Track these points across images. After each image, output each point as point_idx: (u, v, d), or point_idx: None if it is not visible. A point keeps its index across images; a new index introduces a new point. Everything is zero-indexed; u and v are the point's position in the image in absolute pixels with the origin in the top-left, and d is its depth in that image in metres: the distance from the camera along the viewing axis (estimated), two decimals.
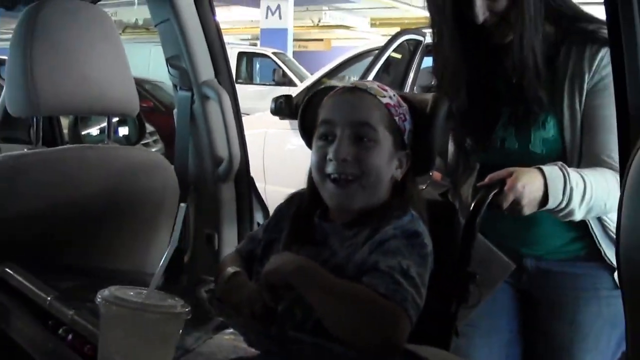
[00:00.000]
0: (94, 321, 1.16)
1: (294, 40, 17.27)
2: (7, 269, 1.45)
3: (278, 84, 11.83)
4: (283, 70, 12.19)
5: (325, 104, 1.51)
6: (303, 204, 1.55)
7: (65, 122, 3.04)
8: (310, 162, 1.50)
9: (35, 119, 1.90)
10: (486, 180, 1.52)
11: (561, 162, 1.56)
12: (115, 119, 2.10)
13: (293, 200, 1.59)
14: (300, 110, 1.64)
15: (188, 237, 2.45)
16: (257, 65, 13.35)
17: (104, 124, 3.32)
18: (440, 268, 1.43)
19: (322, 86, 1.67)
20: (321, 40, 20.75)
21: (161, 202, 1.99)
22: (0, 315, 1.41)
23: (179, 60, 2.36)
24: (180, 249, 2.40)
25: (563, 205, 1.53)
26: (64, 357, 1.18)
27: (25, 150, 1.89)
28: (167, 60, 2.42)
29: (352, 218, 1.47)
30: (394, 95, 1.52)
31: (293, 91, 5.68)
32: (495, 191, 1.49)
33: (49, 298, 1.30)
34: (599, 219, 1.65)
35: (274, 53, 12.67)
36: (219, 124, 2.33)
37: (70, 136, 2.96)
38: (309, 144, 1.55)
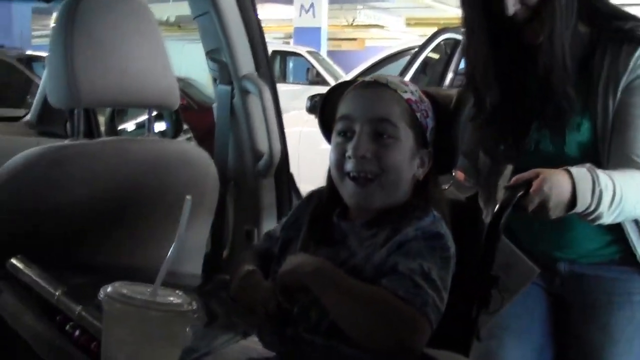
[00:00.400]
0: (101, 318, 1.12)
1: (328, 39, 17.24)
2: (15, 262, 1.41)
3: (311, 83, 11.79)
4: (317, 70, 12.16)
5: (344, 99, 1.46)
6: (322, 202, 1.51)
7: (101, 119, 3.07)
8: (329, 159, 1.45)
9: (75, 112, 1.91)
10: (512, 181, 1.49)
11: (590, 164, 1.51)
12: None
13: (312, 198, 1.56)
14: (320, 106, 1.59)
15: (227, 233, 2.43)
16: (291, 64, 13.32)
17: (140, 119, 3.36)
18: (462, 271, 1.38)
19: (342, 80, 1.63)
20: (355, 39, 20.68)
21: (201, 196, 1.97)
22: (7, 309, 1.39)
23: (218, 53, 2.34)
24: (219, 245, 2.39)
25: (592, 208, 1.48)
26: (69, 354, 1.15)
27: (66, 142, 1.89)
28: (207, 53, 2.41)
29: (371, 217, 1.42)
30: (415, 90, 1.47)
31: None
32: (521, 193, 1.44)
33: (57, 293, 1.26)
34: (636, 222, 1.61)
35: (307, 52, 12.65)
36: (260, 119, 2.31)
37: (107, 130, 2.98)
38: (329, 140, 1.51)
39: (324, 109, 1.56)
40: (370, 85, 1.45)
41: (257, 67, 2.33)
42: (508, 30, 1.60)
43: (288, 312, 1.37)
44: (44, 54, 8.23)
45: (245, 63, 2.31)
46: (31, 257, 1.60)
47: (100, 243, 1.80)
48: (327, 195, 1.50)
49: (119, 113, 3.04)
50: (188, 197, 1.02)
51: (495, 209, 1.47)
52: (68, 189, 1.75)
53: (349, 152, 1.39)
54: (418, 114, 1.44)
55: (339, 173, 1.42)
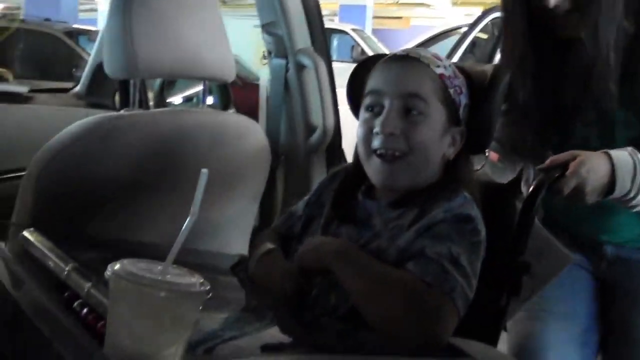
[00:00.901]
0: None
1: (373, 17, 17.14)
2: (27, 235, 1.37)
3: (355, 61, 11.72)
4: (361, 48, 12.10)
5: (374, 73, 1.39)
6: (346, 180, 1.44)
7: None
8: (356, 135, 1.38)
9: (131, 83, 1.91)
10: (547, 162, 1.43)
11: (632, 148, 1.46)
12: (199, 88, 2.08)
13: (336, 175, 1.49)
14: (349, 81, 1.50)
15: (276, 208, 2.41)
16: (335, 42, 13.27)
17: (187, 92, 3.36)
18: (492, 257, 1.32)
19: (371, 55, 1.58)
20: (400, 18, 20.54)
21: (253, 169, 1.97)
22: (15, 284, 1.35)
23: (274, 27, 2.33)
24: (268, 219, 2.37)
25: (631, 195, 1.43)
26: (73, 334, 1.08)
27: (122, 112, 1.89)
28: (263, 26, 2.39)
29: (398, 197, 1.35)
30: (449, 65, 1.40)
31: None
32: (557, 175, 1.39)
33: (67, 268, 1.20)
34: None
35: (352, 30, 12.59)
36: (314, 93, 2.29)
37: (156, 102, 2.98)
38: (357, 115, 1.43)
39: (353, 84, 1.48)
40: (401, 59, 1.38)
41: (313, 42, 2.32)
42: (546, 23, 1.54)
43: (307, 295, 1.32)
44: (90, 27, 8.32)
45: (301, 37, 2.30)
46: (78, 226, 1.68)
47: (152, 215, 1.81)
48: (353, 172, 1.43)
49: (168, 85, 3.04)
50: (204, 170, 0.96)
51: (529, 191, 1.41)
52: (122, 158, 1.75)
53: (377, 129, 1.32)
54: (451, 90, 1.36)
55: (366, 150, 1.35)
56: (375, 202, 1.38)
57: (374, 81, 1.37)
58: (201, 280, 0.91)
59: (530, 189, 1.41)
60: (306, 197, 1.53)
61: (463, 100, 1.39)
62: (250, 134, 1.98)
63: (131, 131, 1.77)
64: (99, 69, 2.88)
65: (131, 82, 1.95)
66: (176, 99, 3.17)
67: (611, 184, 1.41)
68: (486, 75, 1.47)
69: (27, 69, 4.61)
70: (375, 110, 1.34)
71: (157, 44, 1.77)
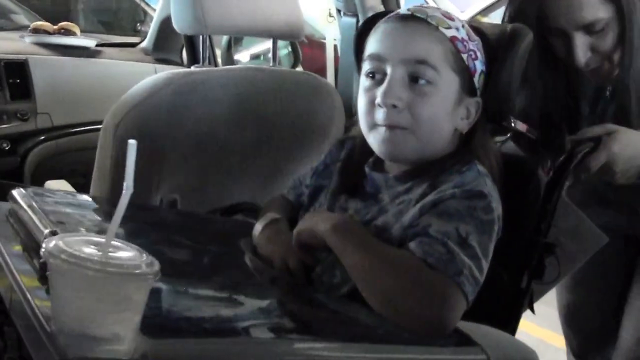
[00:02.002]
0: None
1: None
2: (15, 194, 1.27)
3: None
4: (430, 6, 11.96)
5: (373, 34, 1.24)
6: (355, 151, 1.33)
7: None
8: (358, 104, 1.26)
9: (200, 38, 1.92)
10: (579, 133, 1.34)
11: None
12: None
13: (345, 143, 1.38)
14: (355, 40, 1.34)
15: None
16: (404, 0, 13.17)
17: (254, 50, 3.36)
18: (513, 235, 1.22)
19: (382, 12, 1.45)
20: None
21: (327, 128, 1.96)
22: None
23: None
24: None
25: None
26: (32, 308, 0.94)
27: (192, 68, 1.90)
28: None
29: (407, 170, 1.24)
30: (462, 26, 1.24)
31: None
32: (587, 149, 1.28)
33: (46, 231, 1.10)
34: None
35: None
36: None
37: (224, 59, 2.99)
38: None
39: (360, 44, 1.31)
40: (406, 19, 1.21)
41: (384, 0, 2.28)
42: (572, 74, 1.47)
43: (311, 270, 1.22)
44: None
45: None
46: (144, 182, 1.69)
47: (222, 170, 1.82)
48: (360, 142, 1.31)
49: (235, 43, 3.04)
50: (131, 141, 0.85)
51: (556, 165, 1.31)
52: (194, 114, 1.76)
53: (378, 99, 1.19)
54: (464, 55, 1.21)
55: (368, 123, 1.23)
56: (383, 175, 1.27)
57: (374, 44, 1.23)
58: (149, 260, 0.83)
59: (558, 162, 1.32)
60: (315, 165, 1.44)
61: (479, 66, 1.24)
62: (324, 92, 1.97)
63: (202, 87, 1.77)
64: (165, 24, 2.89)
65: (200, 38, 1.94)
66: (243, 57, 3.17)
67: None
68: (505, 36, 1.33)
69: (91, 24, 4.65)
70: (376, 77, 1.21)
71: (227, 0, 1.77)
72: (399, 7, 2.31)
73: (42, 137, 2.74)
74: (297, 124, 1.85)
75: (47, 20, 3.21)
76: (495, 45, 1.30)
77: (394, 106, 1.17)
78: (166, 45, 3.07)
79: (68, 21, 3.13)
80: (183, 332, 0.90)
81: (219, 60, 3.03)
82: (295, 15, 1.91)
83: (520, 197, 1.29)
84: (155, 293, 0.90)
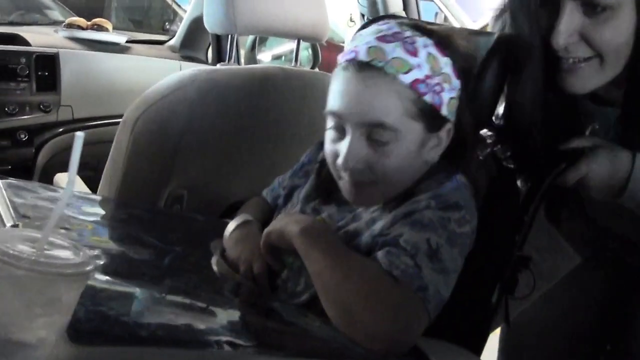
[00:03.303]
0: None
1: None
2: None
3: None
4: (445, 15, 11.96)
5: (333, 82, 1.16)
6: None
7: None
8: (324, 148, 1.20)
9: (228, 38, 1.96)
10: (563, 145, 1.25)
11: None
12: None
13: (321, 146, 1.28)
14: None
15: None
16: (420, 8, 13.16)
17: (277, 50, 3.41)
18: (487, 249, 1.18)
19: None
20: None
21: None
22: None
23: None
24: None
25: None
26: None
27: (218, 66, 1.94)
28: None
29: None
30: (427, 56, 1.12)
31: None
32: (566, 164, 1.22)
33: (8, 224, 1.06)
34: None
35: None
36: None
37: (247, 59, 3.04)
38: None
39: None
40: (363, 69, 1.11)
41: (405, 6, 2.33)
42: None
43: (276, 276, 1.19)
44: None
45: (395, 1, 2.31)
46: (154, 177, 1.74)
47: (239, 167, 1.83)
48: None
49: (259, 43, 3.10)
50: (79, 133, 0.79)
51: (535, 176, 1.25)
52: (216, 110, 1.79)
53: (339, 162, 1.13)
54: (428, 97, 1.12)
55: (334, 172, 1.19)
56: None
57: (333, 99, 1.15)
58: (83, 259, 0.76)
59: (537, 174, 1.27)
60: (295, 166, 1.42)
61: (447, 96, 1.15)
62: None
63: (226, 85, 1.80)
64: (194, 24, 2.95)
65: (228, 38, 1.98)
66: (265, 57, 3.23)
67: (623, 189, 1.21)
68: (478, 46, 1.26)
69: (122, 21, 4.72)
70: (338, 134, 1.15)
71: (256, 2, 1.81)
72: (419, 13, 2.36)
73: (60, 130, 2.78)
74: (313, 124, 1.87)
75: (80, 17, 3.28)
76: (469, 56, 1.22)
77: (355, 168, 1.13)
78: (193, 43, 3.13)
79: (101, 18, 3.21)
80: (114, 339, 0.83)
81: (242, 60, 3.08)
82: (321, 17, 1.94)
83: (497, 209, 1.25)
84: (97, 295, 0.88)
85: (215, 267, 1.23)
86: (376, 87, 1.10)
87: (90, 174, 2.34)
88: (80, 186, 2.01)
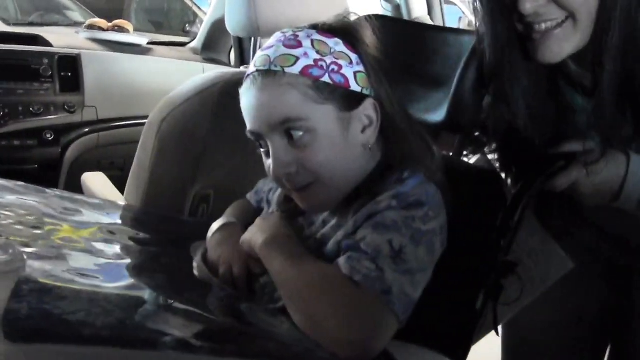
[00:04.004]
0: None
1: None
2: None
3: None
4: (469, 19, 11.96)
5: (242, 101, 1.16)
6: None
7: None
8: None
9: (252, 40, 1.96)
10: (554, 148, 1.21)
11: None
12: None
13: None
14: None
15: None
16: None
17: None
18: (473, 252, 1.17)
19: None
20: None
21: None
22: None
23: None
24: None
25: None
26: None
27: (241, 68, 1.95)
28: None
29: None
30: (312, 42, 1.11)
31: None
32: (556, 168, 1.17)
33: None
34: None
35: (462, 1, 12.44)
36: None
37: None
38: None
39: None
40: (255, 78, 1.12)
41: (429, 11, 2.33)
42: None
43: (255, 280, 1.17)
44: None
45: (418, 6, 2.31)
46: (181, 178, 1.74)
47: (254, 170, 1.82)
48: None
49: None
50: None
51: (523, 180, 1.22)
52: (235, 113, 1.76)
53: (271, 172, 1.13)
54: (325, 77, 1.10)
55: (282, 187, 1.19)
56: None
57: (247, 119, 1.15)
58: (9, 259, 0.77)
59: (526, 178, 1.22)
60: None
61: (349, 71, 1.12)
62: None
63: None
64: (215, 25, 2.96)
65: (250, 40, 1.98)
66: None
67: (617, 194, 1.17)
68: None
69: (142, 23, 4.75)
70: (264, 150, 1.14)
71: (279, 4, 1.80)
72: (443, 17, 2.36)
73: (86, 130, 2.81)
74: None
75: (100, 18, 3.31)
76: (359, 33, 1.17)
77: (287, 174, 1.11)
78: (215, 45, 3.14)
79: (120, 18, 3.23)
80: (54, 337, 0.81)
81: None
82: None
83: (483, 213, 1.23)
84: (46, 293, 0.87)
85: (195, 270, 1.21)
86: (269, 88, 1.10)
87: (118, 173, 2.37)
88: (108, 186, 2.03)
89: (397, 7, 2.32)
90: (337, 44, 1.13)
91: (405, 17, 2.30)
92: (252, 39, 1.98)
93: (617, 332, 1.49)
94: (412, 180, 1.10)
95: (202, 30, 3.15)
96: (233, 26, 1.86)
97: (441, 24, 2.34)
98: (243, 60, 2.90)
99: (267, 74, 1.10)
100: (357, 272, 1.00)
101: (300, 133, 1.09)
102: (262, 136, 1.12)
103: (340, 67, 1.11)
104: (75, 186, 2.16)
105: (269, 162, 1.13)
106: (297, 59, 1.09)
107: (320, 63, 1.09)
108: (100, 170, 2.28)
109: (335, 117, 1.10)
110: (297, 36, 1.13)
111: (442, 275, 1.08)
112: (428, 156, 1.15)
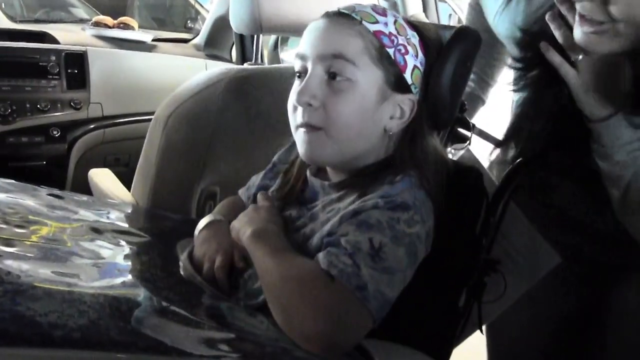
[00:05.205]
0: None
1: None
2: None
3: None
4: (459, 17, 11.98)
5: (306, 30, 1.18)
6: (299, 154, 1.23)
7: None
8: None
9: (255, 37, 2.00)
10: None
11: None
12: None
13: (294, 146, 1.27)
14: None
15: None
16: None
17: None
18: (455, 251, 1.17)
19: None
20: None
21: None
22: None
23: None
24: None
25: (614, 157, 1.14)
26: None
27: (245, 65, 1.99)
28: None
29: (344, 178, 1.19)
30: (395, 21, 1.16)
31: None
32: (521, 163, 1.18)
33: None
34: None
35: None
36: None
37: (270, 58, 3.09)
38: None
39: None
40: (331, 16, 1.16)
41: (424, 8, 2.38)
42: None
43: (240, 274, 1.18)
44: None
45: (414, 3, 2.36)
46: (188, 174, 1.78)
47: (259, 166, 1.84)
48: None
49: (282, 42, 3.15)
50: None
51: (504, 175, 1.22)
52: (239, 109, 1.82)
53: (294, 98, 1.15)
54: (390, 50, 1.13)
55: (292, 123, 1.18)
56: (321, 182, 1.23)
57: (301, 42, 1.17)
58: None
59: (505, 175, 1.22)
60: (267, 166, 1.42)
61: (411, 61, 1.15)
62: None
63: (255, 83, 1.83)
64: (218, 22, 3.01)
65: (252, 38, 2.00)
66: (288, 56, 3.29)
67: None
68: (449, 37, 1.22)
69: (145, 19, 4.78)
70: (302, 76, 1.16)
71: (281, 2, 1.83)
72: (438, 14, 2.40)
73: (92, 126, 2.83)
74: None
75: (103, 14, 3.35)
76: (434, 41, 1.21)
77: (310, 105, 1.13)
78: (217, 42, 3.18)
79: (123, 15, 3.27)
80: (23, 340, 0.80)
81: (266, 59, 3.14)
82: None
83: (464, 210, 1.22)
84: (19, 294, 0.87)
85: (180, 269, 1.21)
86: (340, 25, 1.14)
87: (123, 169, 2.40)
88: (115, 182, 2.05)
89: (393, 5, 2.36)
90: (414, 36, 1.18)
91: (401, 14, 2.33)
92: (255, 36, 2.01)
93: (596, 331, 1.49)
94: (401, 184, 1.11)
95: (204, 28, 3.19)
96: (237, 24, 1.88)
97: (436, 21, 2.38)
98: (244, 56, 2.95)
99: (346, 16, 1.14)
100: (334, 266, 1.01)
101: (341, 77, 1.11)
102: (306, 61, 1.14)
103: (407, 52, 1.15)
104: (83, 182, 2.20)
105: (297, 87, 1.15)
106: (377, 22, 1.14)
107: (392, 37, 1.14)
108: (105, 166, 2.31)
109: (378, 84, 1.13)
110: (385, 10, 1.18)
111: (424, 273, 1.09)
112: (432, 167, 1.16)
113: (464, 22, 1.62)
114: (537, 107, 1.24)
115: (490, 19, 1.47)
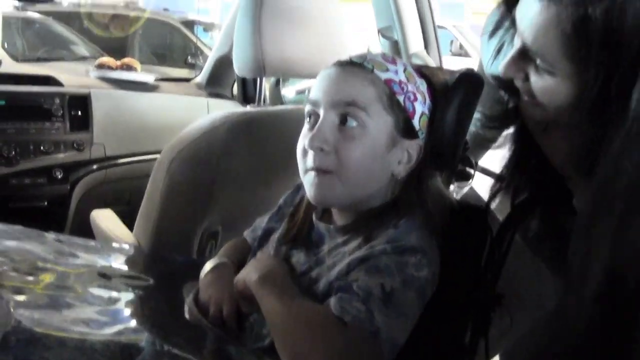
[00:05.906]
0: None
1: (472, 12, 16.96)
2: None
3: (454, 55, 11.72)
4: (460, 42, 12.04)
5: (316, 81, 1.22)
6: (306, 198, 1.27)
7: None
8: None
9: (258, 81, 2.01)
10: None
11: None
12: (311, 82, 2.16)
13: (301, 189, 1.33)
14: None
15: None
16: None
17: (299, 86, 3.48)
18: (457, 288, 1.19)
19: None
20: None
21: None
22: None
23: (390, 31, 2.41)
24: None
25: None
26: None
27: (247, 107, 1.99)
28: (379, 31, 2.48)
29: (350, 221, 1.21)
30: (404, 70, 1.20)
31: (467, 62, 5.57)
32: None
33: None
34: None
35: (453, 25, 12.52)
36: None
37: (272, 96, 3.11)
38: None
39: None
40: (343, 64, 1.20)
41: (426, 45, 2.39)
42: None
43: (245, 319, 1.19)
44: (204, 19, 8.50)
45: (415, 41, 2.37)
46: (190, 216, 1.78)
47: (261, 206, 1.83)
48: None
49: (283, 81, 3.17)
50: None
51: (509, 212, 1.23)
52: (242, 152, 1.83)
53: (306, 143, 1.16)
54: (400, 97, 1.17)
55: (301, 167, 1.20)
56: (327, 225, 1.24)
57: (313, 89, 1.21)
58: None
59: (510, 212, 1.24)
60: (273, 209, 1.42)
61: (419, 108, 1.20)
62: None
63: (257, 125, 1.85)
64: (219, 61, 3.03)
65: (258, 80, 2.00)
66: (289, 92, 3.31)
67: None
68: (453, 81, 1.27)
69: (145, 55, 4.82)
70: (312, 121, 1.19)
71: (285, 45, 1.84)
72: (438, 48, 2.42)
73: (95, 167, 2.84)
74: None
75: (105, 51, 3.37)
76: (439, 85, 1.26)
77: (321, 149, 1.15)
78: (219, 80, 3.18)
79: (123, 52, 3.28)
80: None
81: (267, 94, 3.15)
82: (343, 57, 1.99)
83: (468, 247, 1.24)
84: (32, 344, 0.89)
85: (186, 312, 1.23)
86: (353, 73, 1.18)
87: (124, 207, 2.39)
88: (117, 223, 2.06)
89: (395, 43, 2.38)
90: (422, 84, 1.23)
91: (403, 52, 2.37)
92: (257, 78, 2.02)
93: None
94: (405, 226, 1.13)
95: (206, 66, 3.21)
96: (240, 67, 1.89)
97: (437, 56, 2.39)
98: (245, 95, 2.96)
99: (358, 65, 1.19)
100: (347, 312, 1.02)
101: (354, 124, 1.14)
102: (318, 106, 1.17)
103: (416, 99, 1.19)
104: (83, 221, 2.20)
105: (307, 133, 1.18)
106: (388, 70, 1.18)
107: (402, 85, 1.18)
108: (106, 205, 2.31)
109: (388, 130, 1.17)
110: (395, 58, 1.23)
111: (429, 309, 1.10)
112: (436, 207, 1.19)
113: (467, 46, 1.60)
114: (520, 158, 1.26)
115: (487, 70, 1.48)
